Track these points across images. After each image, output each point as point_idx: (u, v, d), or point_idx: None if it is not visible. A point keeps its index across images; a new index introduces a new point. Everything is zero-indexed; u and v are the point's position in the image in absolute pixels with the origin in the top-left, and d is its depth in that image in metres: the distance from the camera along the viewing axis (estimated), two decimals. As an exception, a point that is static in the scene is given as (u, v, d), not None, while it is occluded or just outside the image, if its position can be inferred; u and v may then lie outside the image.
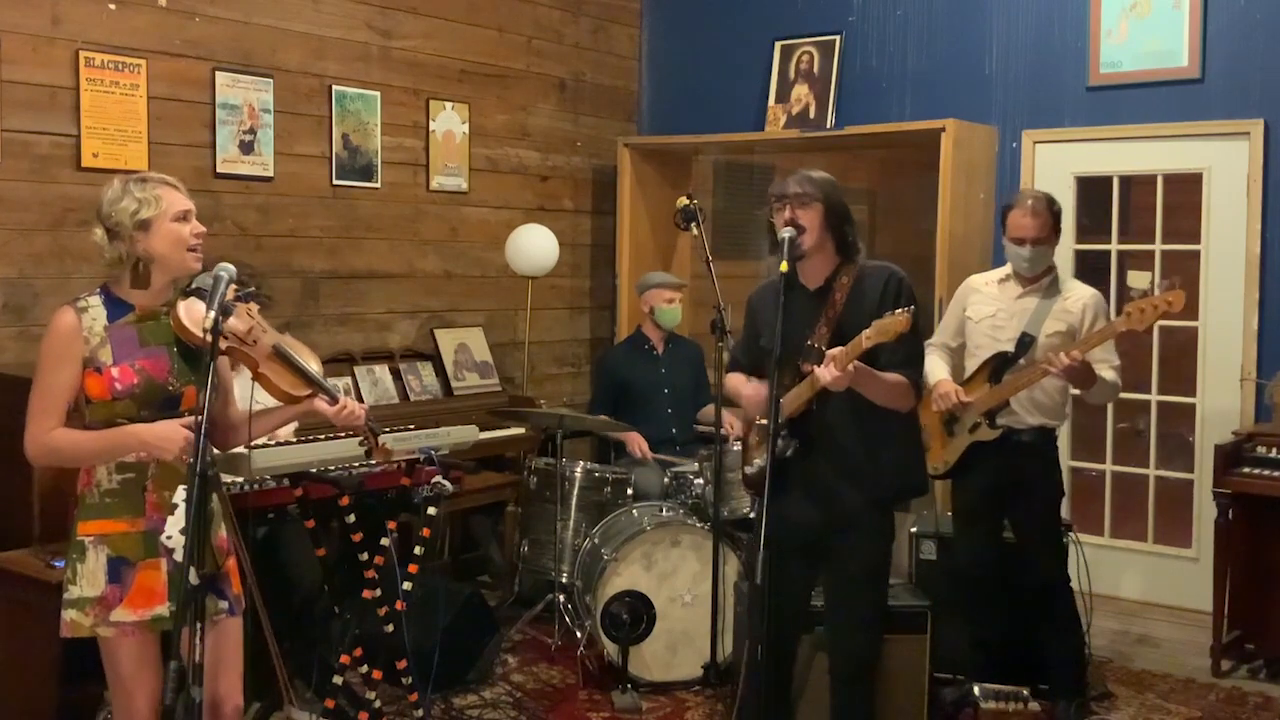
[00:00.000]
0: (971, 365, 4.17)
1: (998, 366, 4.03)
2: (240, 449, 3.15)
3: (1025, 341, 4.03)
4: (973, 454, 4.10)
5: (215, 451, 2.84)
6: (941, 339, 4.34)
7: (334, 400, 2.91)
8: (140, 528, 2.75)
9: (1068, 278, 4.26)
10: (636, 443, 5.34)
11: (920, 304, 3.19)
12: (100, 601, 2.72)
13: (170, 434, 2.68)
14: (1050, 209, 4.09)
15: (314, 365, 2.95)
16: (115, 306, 2.79)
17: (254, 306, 2.86)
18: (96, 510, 2.75)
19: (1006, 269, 4.22)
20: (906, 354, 3.20)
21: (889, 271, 3.28)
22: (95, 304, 2.78)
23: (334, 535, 3.72)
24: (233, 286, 2.77)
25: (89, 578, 2.73)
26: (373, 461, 3.45)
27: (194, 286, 2.80)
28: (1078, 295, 4.13)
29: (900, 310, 3.01)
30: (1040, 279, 4.13)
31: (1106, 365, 4.02)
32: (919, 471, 3.48)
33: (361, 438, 3.04)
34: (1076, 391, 4.18)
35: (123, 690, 2.78)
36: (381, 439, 3.04)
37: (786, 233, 3.19)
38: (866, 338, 3.02)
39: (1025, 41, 5.64)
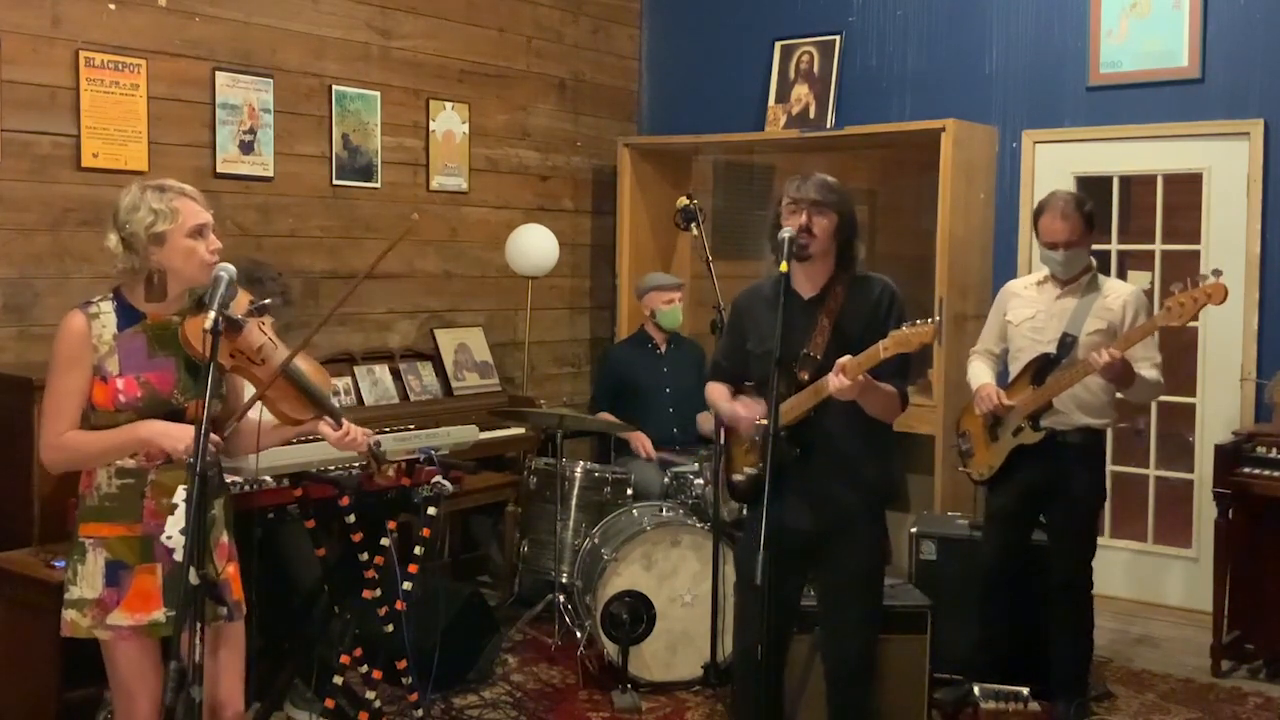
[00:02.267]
0: (1014, 369, 4.15)
1: (1041, 368, 4.01)
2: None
3: (1067, 341, 4.01)
4: (1016, 457, 4.08)
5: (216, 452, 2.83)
6: (984, 345, 4.33)
7: (338, 425, 2.89)
8: (137, 533, 2.74)
9: (1107, 277, 4.21)
10: (641, 442, 5.35)
11: (919, 306, 3.19)
12: (98, 604, 2.73)
13: (178, 432, 2.67)
14: (1081, 210, 4.05)
15: (322, 381, 2.91)
16: (126, 314, 2.76)
17: (267, 321, 2.82)
18: (96, 513, 2.75)
19: (1044, 271, 4.20)
20: (898, 366, 3.20)
21: (882, 283, 3.30)
22: (107, 310, 2.75)
23: (334, 535, 3.72)
24: (248, 298, 2.75)
25: (88, 579, 2.73)
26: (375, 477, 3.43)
27: (205, 297, 2.76)
28: (1118, 293, 4.10)
29: (921, 321, 3.01)
30: (1078, 279, 4.10)
31: (1148, 363, 3.99)
32: (900, 475, 3.48)
33: (365, 461, 3.02)
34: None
35: (124, 693, 2.78)
36: (385, 464, 3.01)
37: (787, 233, 3.19)
38: (884, 348, 3.01)
39: (1025, 41, 5.65)
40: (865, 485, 3.29)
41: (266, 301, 2.83)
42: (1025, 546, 4.22)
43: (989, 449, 4.15)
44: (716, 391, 3.52)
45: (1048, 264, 4.15)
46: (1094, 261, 4.17)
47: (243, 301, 2.73)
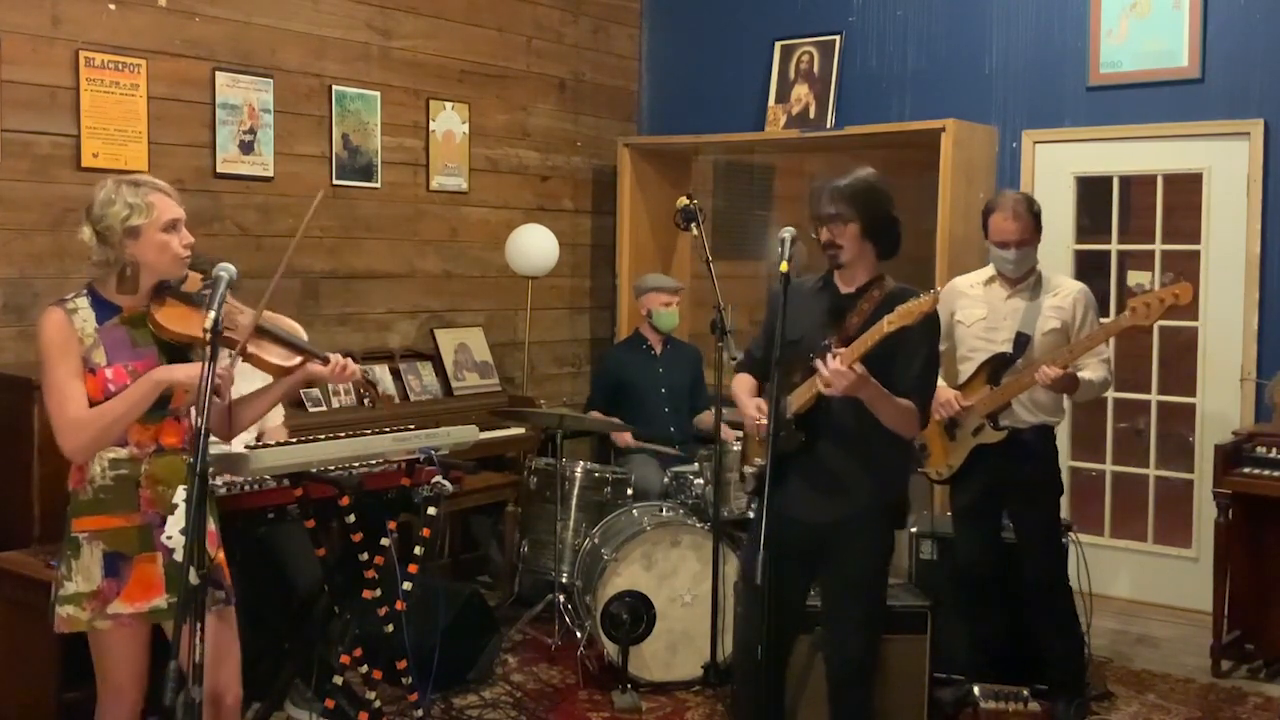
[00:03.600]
0: (966, 369, 4.15)
1: (996, 368, 4.02)
2: (240, 449, 3.16)
3: (1022, 341, 4.03)
4: (975, 455, 4.10)
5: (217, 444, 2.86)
6: None
7: (325, 361, 2.93)
8: (136, 522, 2.77)
9: (1053, 274, 4.25)
10: (621, 438, 5.35)
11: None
12: (97, 595, 2.75)
13: (187, 368, 2.73)
14: (1031, 210, 4.08)
15: (293, 329, 2.97)
16: (102, 308, 2.79)
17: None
18: (91, 506, 2.77)
19: (990, 270, 4.21)
20: (919, 381, 3.20)
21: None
22: (83, 305, 2.78)
23: (334, 535, 3.72)
24: (199, 276, 2.81)
25: (84, 573, 2.75)
26: (376, 415, 3.44)
27: (165, 283, 2.83)
28: (1066, 290, 4.12)
29: (924, 294, 2.99)
30: (1026, 278, 4.13)
31: (1097, 358, 4.02)
32: (904, 490, 3.44)
33: (360, 391, 3.06)
34: None
35: (113, 681, 2.82)
36: (381, 388, 3.05)
37: (787, 232, 3.19)
38: (889, 323, 3.00)
39: (1025, 41, 5.64)
40: (873, 480, 3.27)
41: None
42: (997, 542, 4.23)
43: (948, 449, 4.17)
44: (742, 384, 3.51)
45: (997, 263, 4.16)
46: (1039, 261, 4.18)
47: (195, 279, 2.82)
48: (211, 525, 2.90)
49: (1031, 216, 4.07)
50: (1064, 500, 4.35)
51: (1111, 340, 4.08)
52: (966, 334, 4.18)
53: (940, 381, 4.17)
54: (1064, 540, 4.26)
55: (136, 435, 2.77)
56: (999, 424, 4.04)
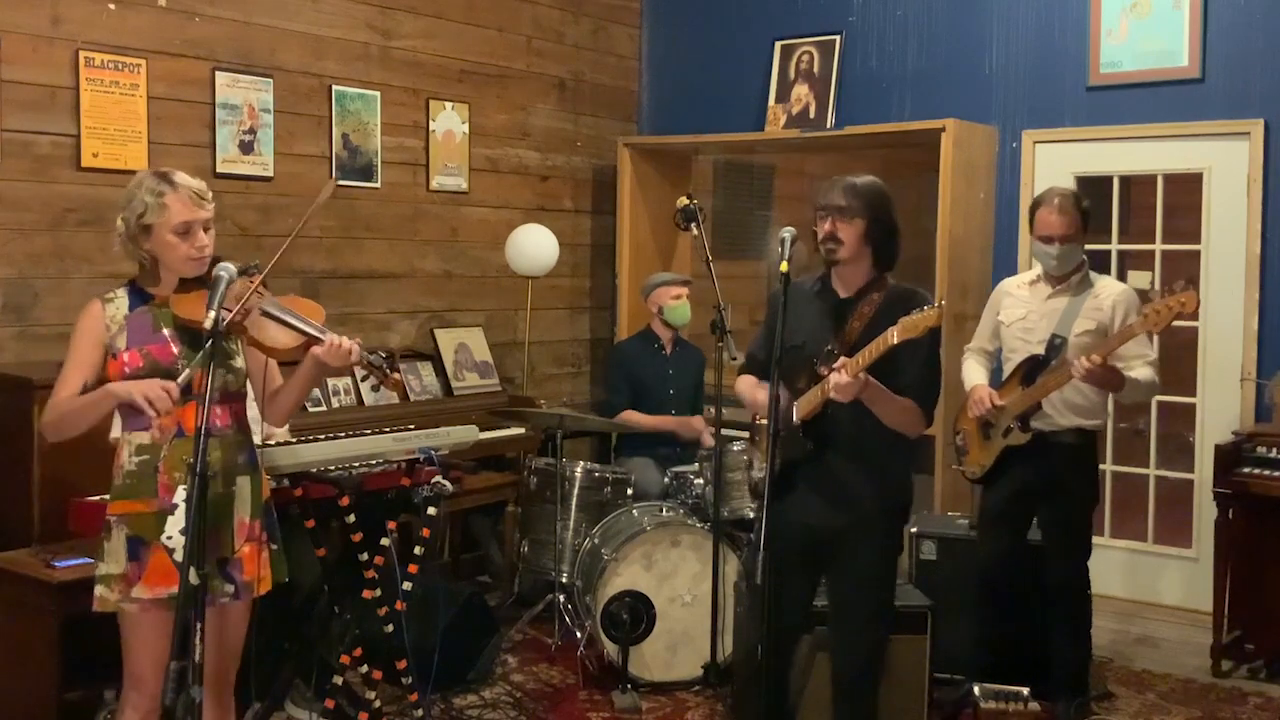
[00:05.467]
0: (1007, 369, 4.16)
1: (1030, 370, 4.01)
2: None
3: (1055, 343, 4.01)
4: (1008, 457, 4.08)
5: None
6: (978, 344, 4.34)
7: (321, 341, 2.91)
8: (154, 508, 2.81)
9: (1099, 275, 4.21)
10: (698, 427, 5.28)
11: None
12: (123, 578, 2.80)
13: (150, 389, 2.69)
14: (1078, 206, 4.06)
15: (308, 311, 2.96)
16: (136, 296, 2.89)
17: (253, 279, 2.86)
18: (121, 491, 2.84)
19: (1037, 270, 4.20)
20: (923, 381, 3.20)
21: (926, 300, 3.18)
22: (121, 295, 2.89)
23: (334, 535, 3.72)
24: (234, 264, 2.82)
25: (113, 555, 2.82)
26: (390, 394, 3.39)
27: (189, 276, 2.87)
28: (1108, 292, 4.09)
29: (930, 306, 2.98)
30: (1069, 278, 4.11)
31: (1141, 361, 3.99)
32: (909, 492, 3.44)
33: (364, 375, 3.03)
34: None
35: (134, 668, 2.84)
36: (391, 372, 3.03)
37: (787, 232, 3.19)
38: (894, 335, 2.99)
39: (1025, 41, 5.64)
40: (881, 485, 3.27)
41: (256, 263, 2.87)
42: (1020, 546, 4.22)
43: (981, 448, 4.16)
44: (746, 383, 3.50)
45: (1040, 259, 4.14)
46: (1085, 260, 4.17)
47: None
48: (243, 517, 2.90)
49: (1078, 212, 4.04)
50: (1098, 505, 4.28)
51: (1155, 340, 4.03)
52: (1007, 334, 4.19)
53: (980, 379, 4.18)
54: (1091, 545, 4.21)
55: (161, 419, 2.79)
56: (1027, 425, 4.01)
